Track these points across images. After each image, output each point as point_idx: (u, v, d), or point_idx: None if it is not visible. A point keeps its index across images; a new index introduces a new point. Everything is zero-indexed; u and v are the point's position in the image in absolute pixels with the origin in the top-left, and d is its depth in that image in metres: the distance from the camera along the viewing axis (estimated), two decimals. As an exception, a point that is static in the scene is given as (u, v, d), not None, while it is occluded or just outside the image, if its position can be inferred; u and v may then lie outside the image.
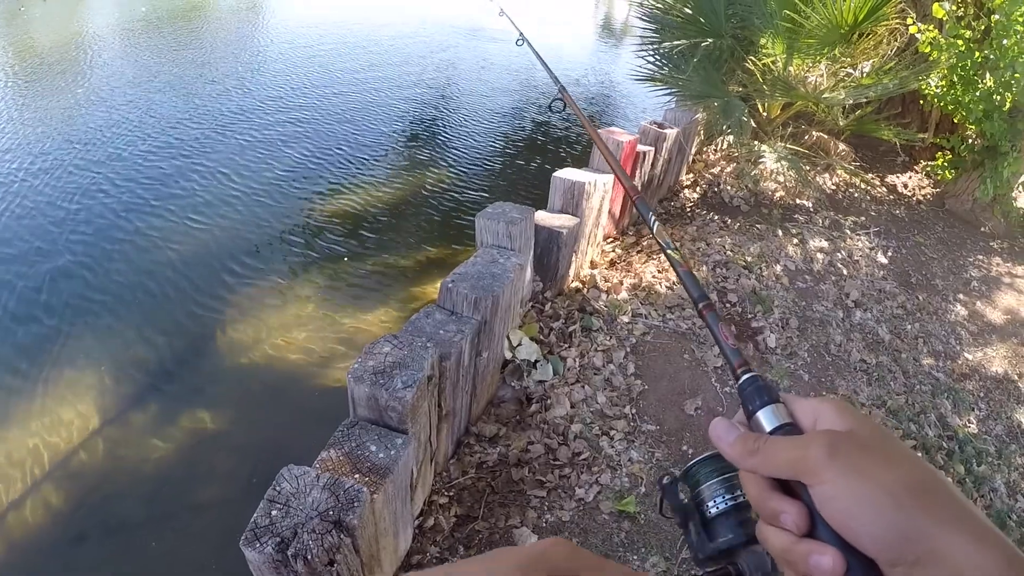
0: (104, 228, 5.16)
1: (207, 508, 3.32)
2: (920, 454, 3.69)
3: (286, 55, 9.80)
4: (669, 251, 0.99)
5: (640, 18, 7.04)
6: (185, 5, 11.94)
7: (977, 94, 6.55)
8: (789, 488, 0.58)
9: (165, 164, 6.10)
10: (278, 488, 1.91)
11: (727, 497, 0.68)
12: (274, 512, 1.85)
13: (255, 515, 1.84)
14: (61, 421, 3.64)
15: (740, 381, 0.70)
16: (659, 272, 4.79)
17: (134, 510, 3.31)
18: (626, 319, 4.30)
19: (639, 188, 1.31)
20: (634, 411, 3.75)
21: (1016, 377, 5.07)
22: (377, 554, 2.25)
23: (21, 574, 3.08)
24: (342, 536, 1.86)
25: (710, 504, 0.69)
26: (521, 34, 3.71)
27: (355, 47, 10.54)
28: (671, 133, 5.36)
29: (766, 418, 0.64)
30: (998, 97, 6.48)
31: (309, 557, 1.77)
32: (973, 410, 4.58)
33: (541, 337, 4.04)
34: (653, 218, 1.13)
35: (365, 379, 2.34)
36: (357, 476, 2.12)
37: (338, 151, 6.87)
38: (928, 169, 8.00)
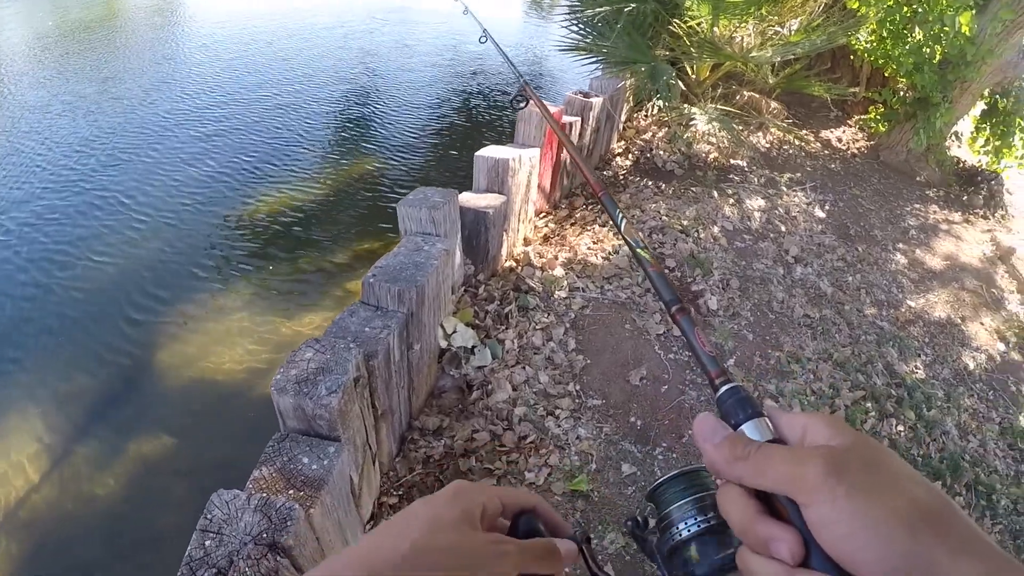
0: (5, 277, 4.81)
1: (165, 538, 3.19)
2: (869, 404, 3.67)
3: (194, 60, 9.29)
4: (639, 250, 0.91)
5: (564, -14, 6.94)
6: (93, 16, 11.43)
7: (907, 48, 6.60)
8: (775, 509, 0.53)
9: (67, 198, 5.69)
10: (209, 516, 1.82)
11: (699, 519, 0.62)
12: (207, 542, 1.77)
13: (189, 548, 1.75)
14: (4, 472, 3.45)
15: (719, 392, 0.64)
16: (594, 243, 4.68)
17: (93, 550, 3.17)
18: (563, 294, 4.18)
19: (603, 183, 1.21)
20: (578, 387, 3.65)
21: (959, 320, 5.08)
22: (326, 567, 2.12)
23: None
24: (279, 558, 1.76)
25: (680, 526, 0.63)
26: (484, 31, 3.57)
27: (268, 44, 10.11)
28: (597, 102, 5.25)
29: (750, 433, 0.58)
30: (928, 50, 6.54)
31: (248, 586, 1.69)
32: (919, 356, 4.57)
33: (477, 321, 3.91)
34: (620, 216, 1.03)
35: (288, 389, 2.22)
36: (292, 492, 2.02)
37: (250, 157, 6.55)
38: (861, 123, 8.05)
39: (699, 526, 0.62)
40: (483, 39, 3.51)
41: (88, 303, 4.59)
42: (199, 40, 10.37)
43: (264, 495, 1.89)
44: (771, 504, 0.53)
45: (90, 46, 9.88)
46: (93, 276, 4.81)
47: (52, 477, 3.47)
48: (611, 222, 4.80)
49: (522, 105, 2.56)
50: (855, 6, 6.50)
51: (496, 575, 0.57)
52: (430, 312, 3.19)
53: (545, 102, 4.56)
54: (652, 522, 0.69)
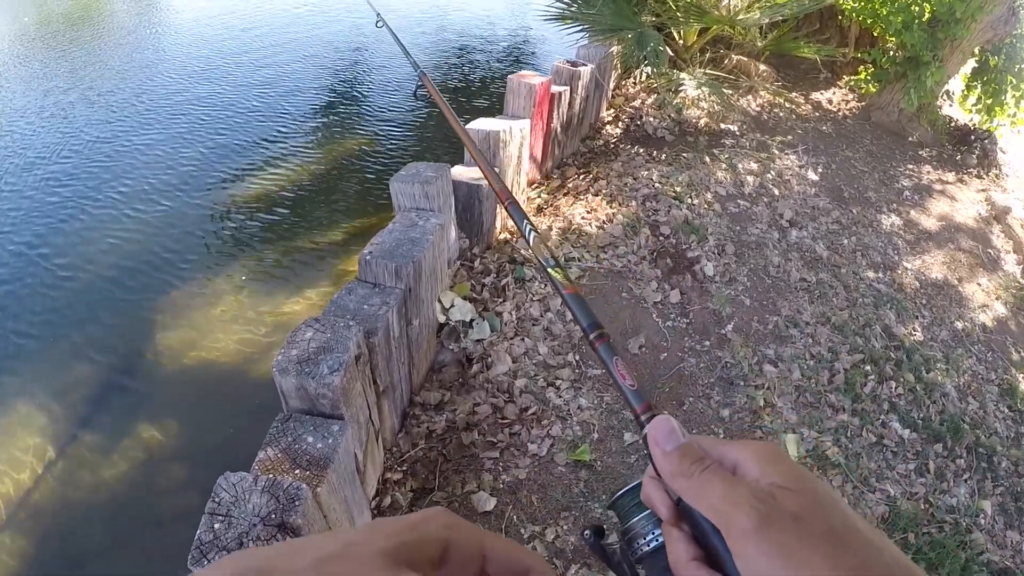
0: (14, 256, 4.80)
1: (169, 523, 3.19)
2: (868, 367, 3.65)
3: (176, 49, 9.01)
4: (551, 270, 0.85)
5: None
6: (73, 12, 11.10)
7: (895, 6, 6.53)
8: (711, 556, 0.53)
9: (57, 189, 5.56)
10: (217, 499, 1.82)
11: (656, 533, 0.60)
12: (216, 525, 1.77)
13: (199, 531, 1.75)
14: (7, 461, 3.44)
15: (645, 431, 0.62)
16: (588, 213, 4.63)
17: (98, 537, 3.15)
18: (559, 264, 4.14)
19: (510, 192, 1.12)
20: (577, 357, 3.63)
21: (956, 282, 5.07)
22: (333, 546, 2.13)
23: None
24: (288, 538, 1.73)
25: (643, 541, 0.61)
26: (379, 15, 3.50)
27: (247, 29, 9.84)
28: (585, 70, 5.18)
29: None
30: (916, 8, 6.49)
31: (258, 566, 1.66)
32: (917, 318, 4.55)
33: (474, 295, 3.88)
34: (528, 227, 0.96)
35: (290, 370, 2.21)
36: (297, 471, 2.02)
37: (238, 140, 6.38)
38: (851, 83, 8.00)
39: (659, 540, 0.59)
40: (379, 24, 3.46)
41: (83, 291, 4.54)
42: (180, 28, 10.14)
43: (271, 476, 1.89)
44: (708, 548, 0.53)
45: (70, 43, 9.65)
46: (87, 265, 4.74)
47: (54, 465, 3.45)
48: (604, 190, 4.79)
49: (424, 95, 2.52)
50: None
51: None
52: (427, 287, 3.17)
53: (531, 72, 4.53)
54: (613, 531, 0.67)
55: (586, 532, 0.69)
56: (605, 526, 0.67)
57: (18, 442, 3.55)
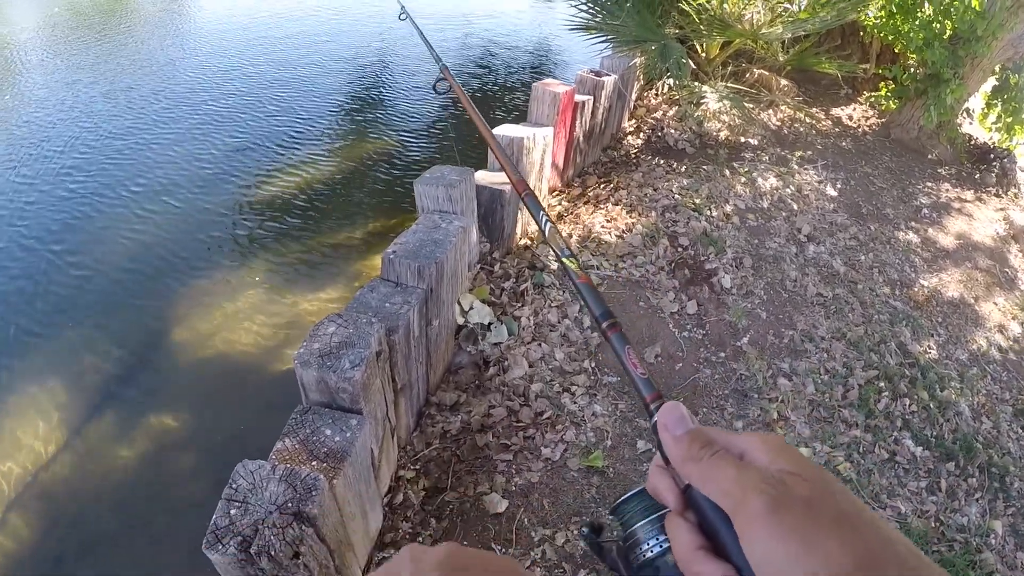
0: (22, 256, 4.82)
1: (179, 511, 3.22)
2: (883, 383, 3.66)
3: (202, 46, 9.11)
4: (565, 260, 0.88)
5: (572, -35, 6.86)
6: (102, 4, 11.17)
7: (916, 23, 6.54)
8: (717, 544, 0.53)
9: (79, 180, 5.68)
10: (235, 486, 1.85)
11: (661, 539, 0.61)
12: (233, 511, 1.79)
13: (214, 516, 1.78)
14: (19, 445, 3.47)
15: (655, 419, 0.62)
16: (607, 222, 4.67)
17: (107, 523, 3.20)
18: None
19: (527, 183, 1.15)
20: (593, 364, 3.66)
21: (972, 301, 5.07)
22: (346, 538, 2.19)
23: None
24: (303, 527, 1.81)
25: (644, 547, 0.62)
26: (403, 7, 3.53)
27: (273, 27, 9.95)
28: (609, 80, 5.22)
29: None
30: (938, 25, 6.48)
31: (273, 552, 1.73)
32: (932, 336, 4.56)
33: (493, 299, 3.91)
34: (544, 218, 0.99)
35: (312, 363, 2.24)
36: (315, 463, 2.05)
37: (261, 137, 6.48)
38: (872, 100, 7.99)
39: (661, 546, 0.61)
40: (403, 16, 3.47)
41: (103, 281, 4.59)
42: (205, 25, 10.23)
43: (288, 466, 1.92)
44: (713, 537, 0.54)
45: (95, 35, 9.73)
46: (108, 255, 4.80)
47: (67, 451, 3.49)
48: (624, 200, 4.82)
49: (444, 89, 2.53)
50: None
51: None
52: (448, 288, 3.21)
53: (555, 80, 4.57)
54: (613, 531, 0.68)
55: (584, 529, 0.72)
56: (605, 523, 0.68)
57: (33, 423, 3.59)
